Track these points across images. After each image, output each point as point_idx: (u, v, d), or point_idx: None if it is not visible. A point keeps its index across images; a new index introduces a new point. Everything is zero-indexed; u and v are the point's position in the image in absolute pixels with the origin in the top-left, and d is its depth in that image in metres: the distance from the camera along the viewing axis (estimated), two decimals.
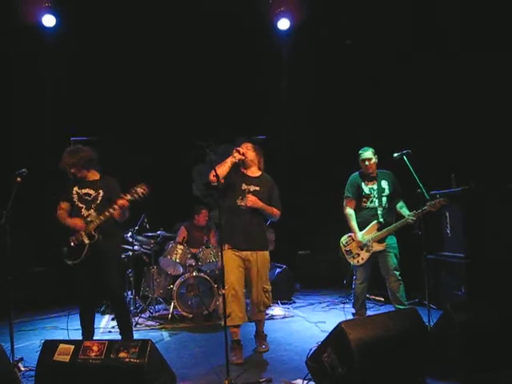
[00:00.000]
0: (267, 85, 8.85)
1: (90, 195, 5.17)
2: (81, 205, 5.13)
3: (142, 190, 4.89)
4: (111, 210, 4.90)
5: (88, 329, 5.30)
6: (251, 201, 5.15)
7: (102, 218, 4.93)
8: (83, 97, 8.26)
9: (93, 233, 4.96)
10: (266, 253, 5.36)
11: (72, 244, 4.97)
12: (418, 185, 5.38)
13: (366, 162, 5.84)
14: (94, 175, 5.30)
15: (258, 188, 5.29)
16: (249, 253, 5.20)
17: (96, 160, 5.33)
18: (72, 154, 5.16)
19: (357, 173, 6.02)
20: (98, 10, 7.50)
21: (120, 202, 4.88)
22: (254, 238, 5.23)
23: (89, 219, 5.02)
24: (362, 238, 5.76)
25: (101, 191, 5.17)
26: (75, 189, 5.18)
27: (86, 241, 4.97)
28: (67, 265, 4.98)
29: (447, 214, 6.86)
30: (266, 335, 5.59)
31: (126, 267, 7.24)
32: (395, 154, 5.64)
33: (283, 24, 8.02)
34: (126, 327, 5.29)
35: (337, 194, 6.20)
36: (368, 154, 5.84)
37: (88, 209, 5.10)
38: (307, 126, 8.92)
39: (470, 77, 6.94)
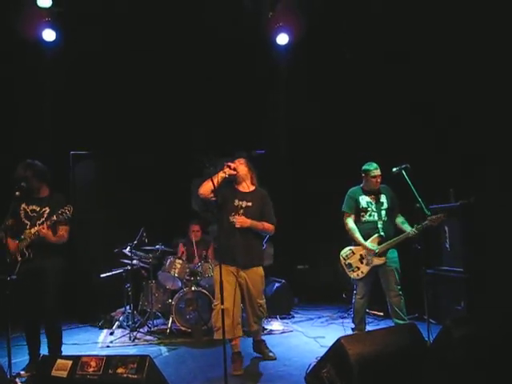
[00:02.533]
0: (267, 99, 8.87)
1: (35, 211, 5.19)
2: (26, 221, 5.16)
3: (66, 211, 4.92)
4: (38, 231, 4.95)
5: (33, 345, 5.25)
6: (239, 222, 5.22)
7: (32, 237, 4.99)
8: (83, 110, 8.27)
9: (24, 250, 5.05)
10: (259, 269, 5.45)
11: (8, 260, 5.03)
12: (417, 199, 5.39)
13: (378, 179, 5.86)
14: (44, 191, 5.31)
15: (250, 204, 5.37)
16: (246, 270, 5.32)
17: (49, 175, 5.35)
18: (26, 166, 5.17)
19: (358, 187, 6.03)
20: (97, 25, 7.52)
21: (41, 227, 4.95)
22: (246, 255, 5.30)
23: (22, 237, 5.06)
24: (372, 246, 5.76)
25: (47, 208, 5.19)
26: (23, 205, 5.20)
27: (19, 258, 5.05)
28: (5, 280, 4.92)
29: (446, 229, 6.86)
30: (264, 341, 5.76)
31: (124, 282, 7.23)
32: (394, 169, 5.66)
33: (282, 39, 8.05)
34: (54, 345, 5.25)
35: (336, 209, 6.20)
36: (378, 171, 5.85)
37: (33, 225, 5.10)
38: (306, 139, 8.93)
39: (467, 89, 6.97)
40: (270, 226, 5.42)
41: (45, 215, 5.14)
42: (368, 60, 8.13)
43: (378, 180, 5.88)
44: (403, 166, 5.60)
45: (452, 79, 7.10)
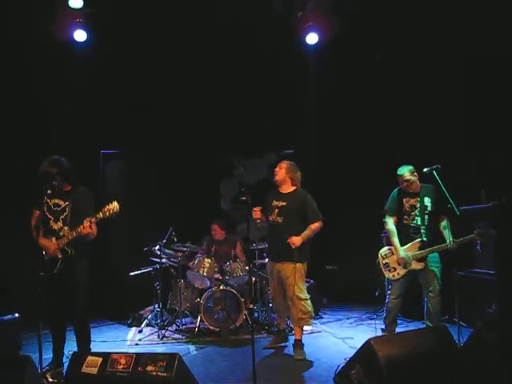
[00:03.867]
0: (296, 99, 8.85)
1: (59, 206, 5.08)
2: (49, 216, 5.05)
3: (114, 209, 4.82)
4: (80, 229, 4.82)
5: (59, 343, 5.22)
6: (293, 244, 5.56)
7: (74, 233, 4.87)
8: (113, 110, 8.34)
9: (66, 248, 4.92)
10: (298, 264, 5.66)
11: (46, 257, 4.92)
12: (448, 200, 5.32)
13: (405, 184, 5.79)
14: (66, 186, 5.18)
15: (284, 203, 5.75)
16: (280, 264, 5.72)
17: (72, 174, 5.20)
18: (52, 163, 5.05)
19: (398, 188, 5.96)
20: (127, 25, 7.59)
21: (84, 223, 4.80)
22: (284, 250, 5.60)
23: (61, 233, 4.95)
24: (404, 255, 5.70)
25: (70, 203, 5.05)
26: (45, 198, 5.08)
27: (60, 255, 4.92)
28: (39, 277, 4.79)
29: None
30: (303, 344, 5.79)
31: (153, 280, 7.28)
32: (425, 169, 5.58)
33: (311, 39, 8.01)
34: (83, 344, 5.18)
35: (366, 209, 6.16)
36: (407, 175, 5.74)
37: (56, 220, 5.03)
38: (335, 139, 8.87)
39: (499, 87, 6.86)
40: (316, 224, 5.75)
41: (67, 209, 5.02)
42: (398, 60, 8.06)
43: (409, 185, 5.79)
44: (434, 166, 5.52)
45: (483, 78, 7.02)
